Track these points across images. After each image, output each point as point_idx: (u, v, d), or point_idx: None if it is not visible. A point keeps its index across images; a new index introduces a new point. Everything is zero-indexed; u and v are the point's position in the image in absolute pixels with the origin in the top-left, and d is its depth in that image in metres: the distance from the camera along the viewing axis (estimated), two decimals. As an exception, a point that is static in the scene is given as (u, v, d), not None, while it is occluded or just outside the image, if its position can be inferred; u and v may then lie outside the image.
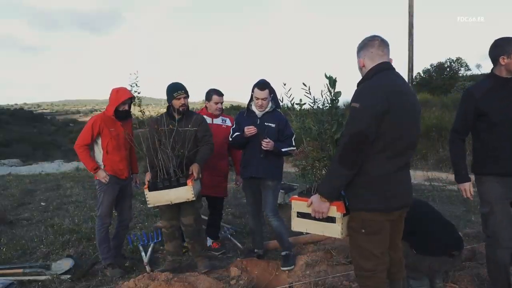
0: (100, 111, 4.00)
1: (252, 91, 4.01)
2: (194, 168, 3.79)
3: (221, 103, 4.68)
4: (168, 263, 4.06)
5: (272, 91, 4.04)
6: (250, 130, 3.86)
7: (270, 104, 4.05)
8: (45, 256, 4.68)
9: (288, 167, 13.75)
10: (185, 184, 3.65)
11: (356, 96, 2.35)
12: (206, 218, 5.00)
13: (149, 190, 3.70)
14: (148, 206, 3.84)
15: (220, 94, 4.64)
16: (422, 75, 25.01)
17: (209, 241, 4.81)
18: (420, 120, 2.51)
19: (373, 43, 2.47)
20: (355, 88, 2.49)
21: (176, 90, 3.87)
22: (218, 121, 4.65)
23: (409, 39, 19.21)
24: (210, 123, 4.37)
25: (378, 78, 2.38)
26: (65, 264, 4.17)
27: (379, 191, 2.38)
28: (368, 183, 2.38)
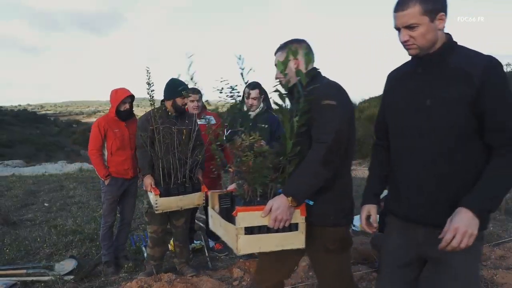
0: (103, 112, 4.00)
1: (244, 91, 4.01)
2: (200, 174, 3.75)
3: (197, 101, 4.39)
4: (150, 267, 3.88)
5: (263, 92, 4.05)
6: None
7: (262, 105, 4.06)
8: (48, 256, 4.69)
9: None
10: (200, 190, 3.57)
11: (327, 94, 2.02)
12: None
13: (161, 196, 3.46)
14: (156, 212, 3.54)
15: (193, 92, 4.35)
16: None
17: (211, 243, 4.81)
18: None
19: (309, 47, 2.21)
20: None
21: (185, 88, 3.67)
22: (201, 121, 4.26)
23: (412, 40, 19.23)
24: None
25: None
26: (68, 264, 4.17)
27: (350, 201, 2.21)
28: (344, 193, 2.17)
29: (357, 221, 5.52)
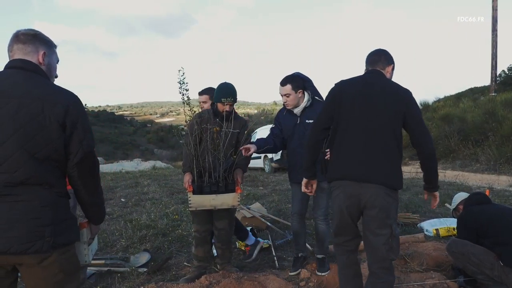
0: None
1: None
2: (239, 174, 3.70)
3: (203, 102, 4.24)
4: (193, 269, 3.91)
5: (301, 85, 3.71)
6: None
7: (306, 98, 3.73)
8: (124, 249, 4.94)
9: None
10: (234, 191, 3.55)
11: None
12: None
13: (194, 194, 3.53)
14: (189, 210, 3.65)
15: (204, 92, 4.24)
16: (507, 72, 23.25)
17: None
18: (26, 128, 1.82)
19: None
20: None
21: (225, 96, 3.64)
22: None
23: (492, 34, 18.01)
24: None
25: None
26: (142, 257, 4.38)
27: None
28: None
29: (429, 226, 5.28)
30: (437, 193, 2.89)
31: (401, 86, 2.77)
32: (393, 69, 2.89)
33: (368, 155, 2.62)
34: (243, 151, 3.53)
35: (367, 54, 2.93)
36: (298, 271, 3.79)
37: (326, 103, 2.89)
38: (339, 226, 2.82)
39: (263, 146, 3.70)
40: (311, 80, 3.88)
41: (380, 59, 2.83)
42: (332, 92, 2.83)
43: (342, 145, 2.73)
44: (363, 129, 2.64)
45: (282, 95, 3.73)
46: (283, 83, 3.70)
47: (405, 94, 2.70)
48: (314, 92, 3.84)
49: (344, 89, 2.78)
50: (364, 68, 2.92)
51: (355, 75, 2.89)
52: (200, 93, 4.30)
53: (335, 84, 2.85)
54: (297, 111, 3.75)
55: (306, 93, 3.75)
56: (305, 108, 3.74)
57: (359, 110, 2.66)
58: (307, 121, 3.70)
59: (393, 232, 2.62)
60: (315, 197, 3.77)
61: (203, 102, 4.25)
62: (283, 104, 3.85)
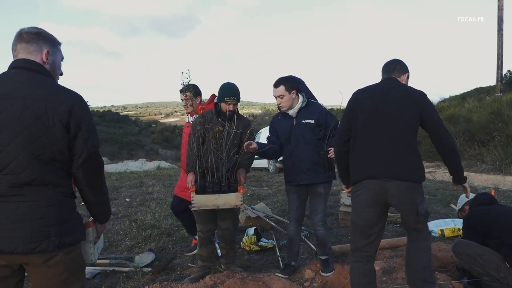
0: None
1: None
2: (242, 174, 3.68)
3: (186, 99, 4.28)
4: (198, 269, 3.90)
5: (294, 86, 3.72)
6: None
7: (301, 99, 3.74)
8: (129, 249, 4.95)
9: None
10: (236, 191, 3.55)
11: None
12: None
13: (196, 193, 3.53)
14: (192, 209, 3.66)
15: (183, 90, 4.22)
16: (513, 73, 23.07)
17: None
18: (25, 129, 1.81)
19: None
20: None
21: (229, 95, 3.64)
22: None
23: (498, 34, 17.93)
24: None
25: None
26: (147, 257, 4.39)
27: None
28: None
29: (435, 226, 5.27)
30: (466, 184, 3.01)
31: (415, 89, 2.91)
32: (408, 77, 3.04)
33: (387, 154, 2.73)
34: (244, 146, 3.48)
35: (383, 64, 3.09)
36: (286, 277, 3.70)
37: (344, 114, 2.99)
38: (360, 226, 2.85)
39: (264, 146, 3.70)
40: (304, 82, 3.90)
41: (396, 68, 3.01)
42: (350, 103, 2.98)
43: (361, 149, 2.85)
44: (382, 131, 2.77)
45: (276, 97, 3.74)
46: (276, 84, 3.71)
47: (420, 97, 2.84)
48: (307, 93, 3.84)
49: (360, 98, 2.93)
50: (381, 76, 3.07)
51: (369, 82, 3.04)
52: (182, 91, 4.28)
53: (352, 94, 3.00)
54: (292, 112, 3.74)
55: (300, 95, 3.76)
56: (300, 109, 3.74)
57: (376, 116, 2.80)
58: (303, 121, 3.70)
59: (419, 213, 2.72)
60: (313, 202, 3.78)
61: (185, 99, 4.27)
62: (278, 107, 3.84)
